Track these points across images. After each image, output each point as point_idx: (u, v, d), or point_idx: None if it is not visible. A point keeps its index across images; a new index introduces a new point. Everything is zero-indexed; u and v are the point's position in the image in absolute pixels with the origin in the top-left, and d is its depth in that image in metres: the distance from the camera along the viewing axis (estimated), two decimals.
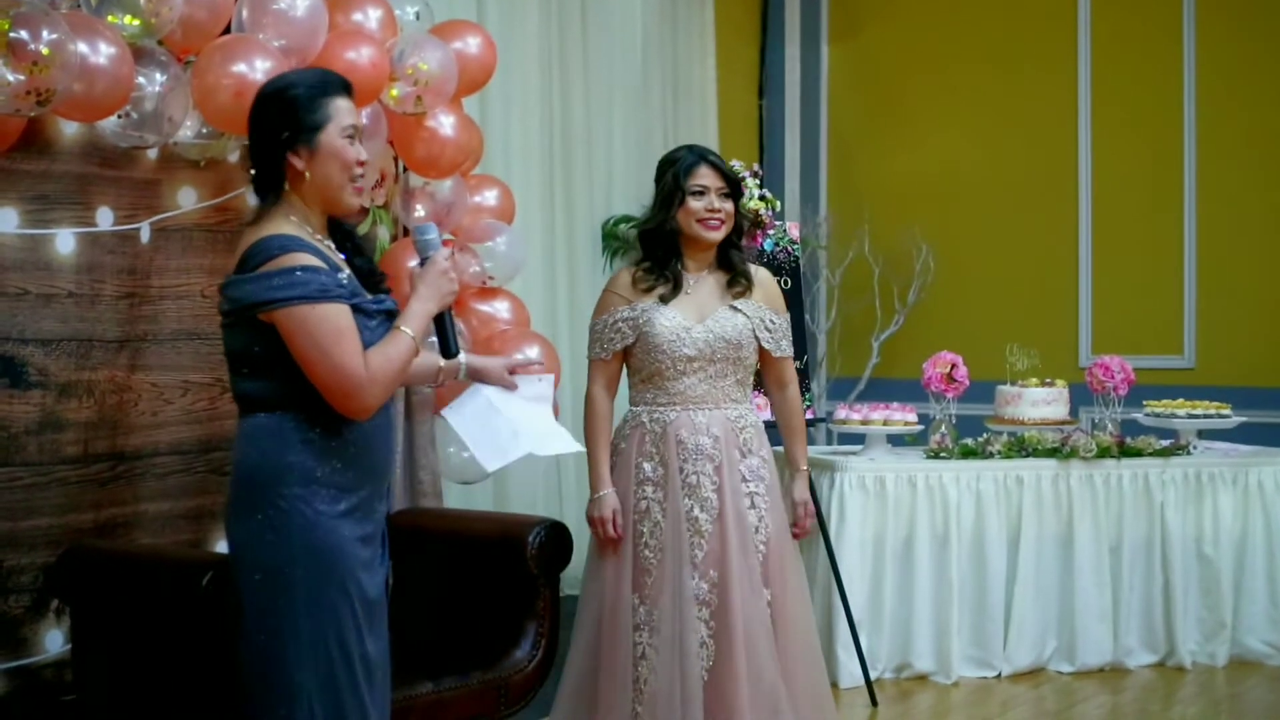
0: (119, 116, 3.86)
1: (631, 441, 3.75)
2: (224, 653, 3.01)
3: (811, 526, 3.94)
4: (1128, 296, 7.65)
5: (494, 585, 4.04)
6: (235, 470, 2.88)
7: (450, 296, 2.98)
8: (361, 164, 2.90)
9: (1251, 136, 7.34)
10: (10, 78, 3.42)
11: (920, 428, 5.91)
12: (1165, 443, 5.94)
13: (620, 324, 3.75)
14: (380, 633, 2.94)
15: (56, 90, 3.49)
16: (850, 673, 5.41)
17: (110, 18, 3.74)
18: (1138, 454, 5.83)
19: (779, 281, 4.40)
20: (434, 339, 3.04)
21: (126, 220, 4.15)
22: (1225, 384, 7.02)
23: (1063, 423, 5.99)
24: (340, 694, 2.83)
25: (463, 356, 3.27)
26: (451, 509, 4.83)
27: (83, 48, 3.57)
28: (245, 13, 4.06)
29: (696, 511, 3.66)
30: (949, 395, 5.87)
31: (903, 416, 5.84)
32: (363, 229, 4.56)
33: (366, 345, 2.81)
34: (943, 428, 5.85)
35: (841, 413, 5.97)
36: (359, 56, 4.20)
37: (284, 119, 2.83)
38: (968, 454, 5.76)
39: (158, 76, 3.91)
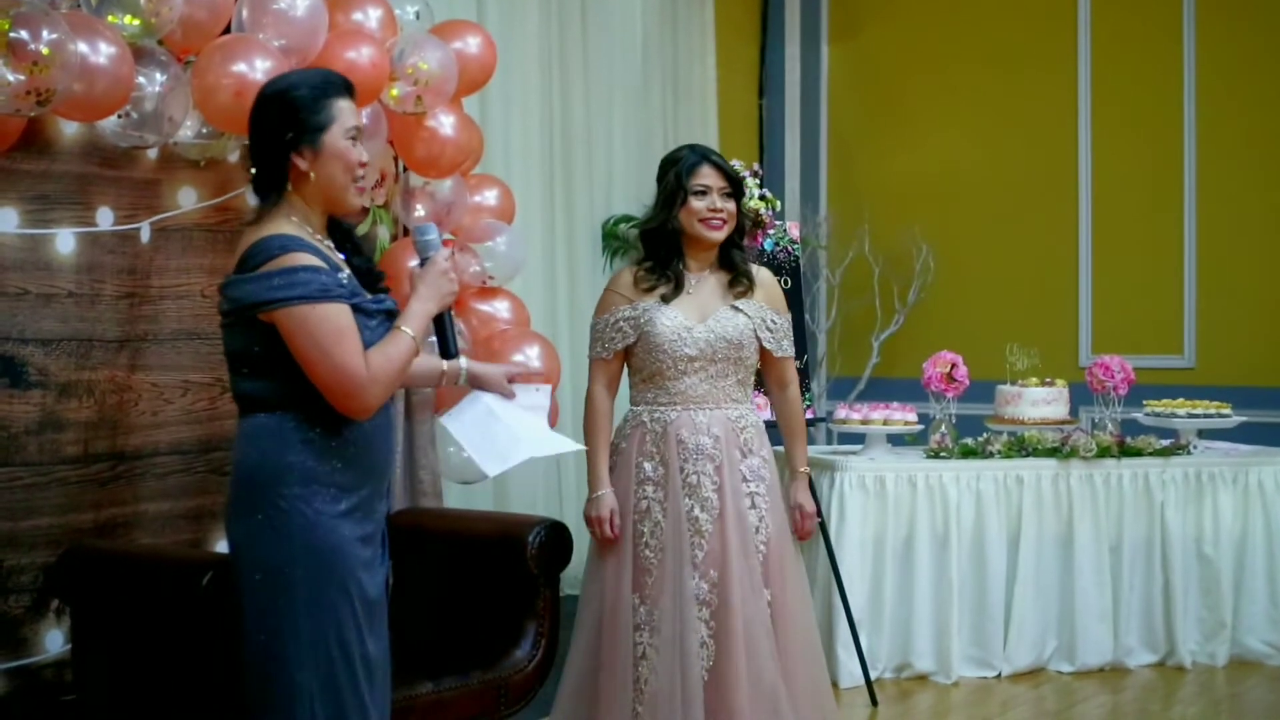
0: (119, 116, 3.86)
1: (632, 441, 3.75)
2: (224, 653, 3.01)
3: (813, 528, 3.93)
4: (1128, 296, 7.65)
5: (494, 585, 4.04)
6: (235, 470, 2.88)
7: (450, 297, 2.99)
8: (363, 165, 2.91)
9: (1251, 136, 7.34)
10: (10, 77, 3.42)
11: (920, 427, 5.91)
12: (1165, 442, 5.94)
13: (621, 323, 3.75)
14: (380, 632, 2.94)
15: (56, 90, 3.49)
16: (850, 672, 5.41)
17: (110, 17, 3.74)
18: (1138, 454, 5.83)
19: (779, 281, 4.40)
20: (433, 339, 3.04)
21: (126, 220, 4.15)
22: (1225, 384, 7.02)
23: (1063, 422, 5.99)
24: (341, 693, 2.83)
25: (463, 361, 3.27)
26: (451, 509, 4.83)
27: (83, 47, 3.57)
28: (245, 12, 4.06)
29: (697, 511, 3.66)
30: (949, 395, 5.87)
31: (903, 416, 5.84)
32: (363, 229, 4.56)
33: (367, 345, 2.81)
34: (943, 427, 5.85)
35: (841, 412, 5.97)
36: (359, 56, 4.20)
37: (288, 120, 2.83)
38: (968, 454, 5.76)
39: (158, 76, 3.91)
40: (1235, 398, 6.40)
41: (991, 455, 5.74)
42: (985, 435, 5.87)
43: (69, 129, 3.98)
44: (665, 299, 3.72)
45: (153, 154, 4.19)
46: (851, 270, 8.28)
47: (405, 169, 4.67)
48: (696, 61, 8.11)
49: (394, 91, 4.39)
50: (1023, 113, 7.93)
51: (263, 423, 2.83)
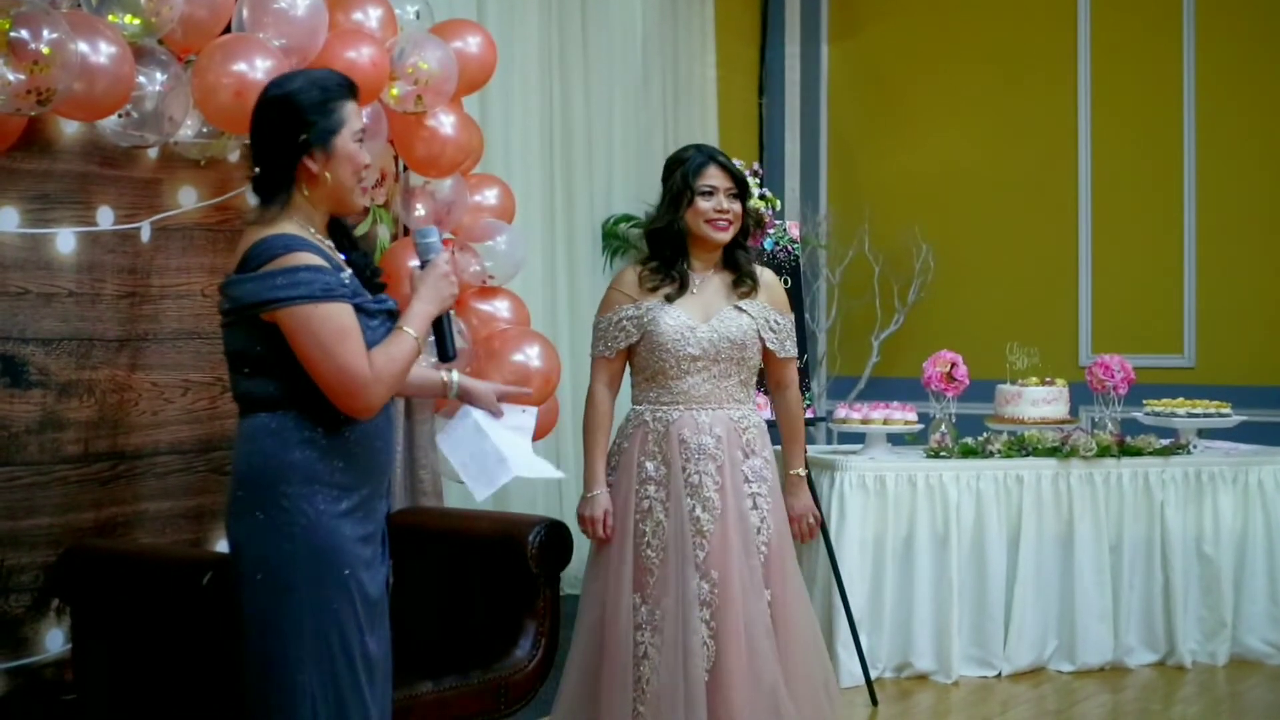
0: (119, 116, 3.86)
1: (634, 441, 3.74)
2: (224, 652, 3.01)
3: (814, 530, 3.93)
4: (1128, 295, 7.65)
5: (494, 585, 4.04)
6: (236, 470, 2.88)
7: (451, 299, 3.00)
8: (366, 166, 2.92)
9: (1251, 136, 7.34)
10: (11, 77, 3.42)
11: (920, 427, 5.92)
12: (1165, 442, 5.95)
13: (625, 322, 3.74)
14: (381, 632, 2.94)
15: (57, 89, 3.49)
16: (850, 672, 5.41)
17: (111, 17, 3.74)
18: (1138, 453, 5.83)
19: (779, 280, 4.40)
20: (431, 339, 3.03)
21: (127, 219, 4.15)
22: (1225, 383, 7.03)
23: (1063, 422, 5.99)
24: (342, 693, 2.84)
25: (455, 375, 3.27)
26: (451, 508, 4.83)
27: (83, 47, 3.57)
28: (246, 12, 4.06)
29: (699, 511, 3.65)
30: (949, 394, 5.87)
31: (903, 415, 5.84)
32: (363, 228, 4.56)
33: (369, 345, 2.82)
34: (943, 427, 5.85)
35: (841, 412, 5.97)
36: (359, 56, 4.20)
37: (299, 122, 2.83)
38: (968, 453, 5.76)
39: (158, 76, 3.91)
40: (1235, 397, 6.40)
41: (991, 455, 5.74)
42: (985, 435, 5.88)
43: (69, 128, 3.98)
44: (669, 299, 3.72)
45: (153, 153, 4.19)
46: (851, 269, 8.28)
47: (405, 168, 4.67)
48: (696, 61, 8.11)
49: (394, 91, 4.39)
50: (1023, 112, 7.94)
51: (264, 422, 2.83)
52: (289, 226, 2.84)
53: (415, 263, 3.11)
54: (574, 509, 3.83)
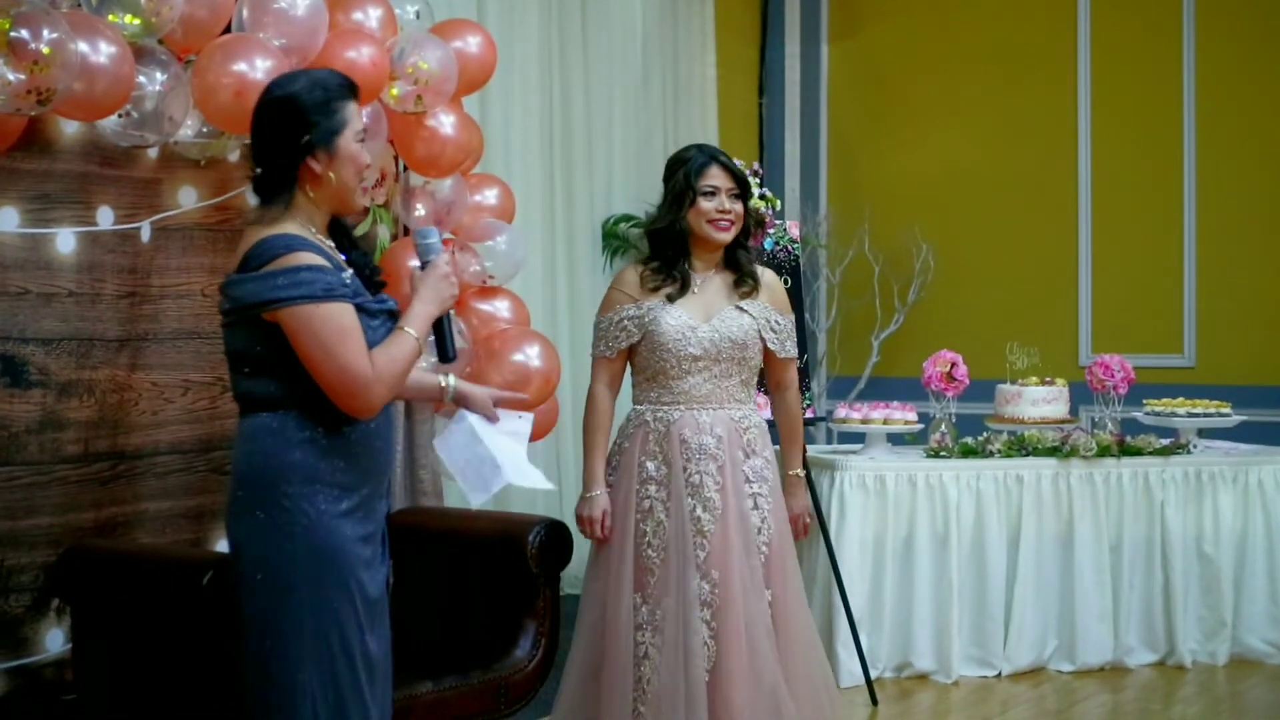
0: (119, 116, 3.86)
1: (635, 441, 3.74)
2: (224, 652, 3.01)
3: (807, 528, 3.94)
4: (1128, 295, 7.65)
5: (494, 584, 4.04)
6: (237, 470, 2.88)
7: (451, 300, 3.01)
8: (367, 166, 2.93)
9: (1251, 136, 7.34)
10: (11, 77, 3.42)
11: (920, 427, 5.91)
12: (1165, 441, 5.94)
13: (626, 322, 3.74)
14: (381, 632, 2.95)
15: (57, 89, 3.49)
16: (850, 672, 5.41)
17: (111, 17, 3.74)
18: (1138, 453, 5.83)
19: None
20: (431, 338, 3.04)
21: (127, 219, 4.15)
22: (1225, 383, 7.03)
23: (1063, 421, 5.99)
24: (342, 692, 2.84)
25: (453, 380, 3.27)
26: (451, 508, 4.83)
27: (83, 47, 3.57)
28: (246, 12, 4.06)
29: (699, 512, 3.65)
30: (949, 394, 5.87)
31: (903, 415, 5.84)
32: (363, 228, 4.56)
33: (370, 345, 2.82)
34: (943, 427, 5.85)
35: (841, 412, 5.97)
36: (359, 55, 4.20)
37: (303, 123, 2.83)
38: (968, 453, 5.76)
39: (158, 76, 3.91)
40: (1235, 397, 6.40)
41: (991, 454, 5.74)
42: (985, 434, 5.88)
43: (69, 128, 3.98)
44: (671, 299, 3.72)
45: (153, 153, 4.19)
46: (851, 269, 8.28)
47: (405, 168, 4.67)
48: (696, 61, 8.11)
49: (394, 91, 4.39)
50: (1023, 112, 7.94)
51: (264, 422, 2.83)
52: (290, 226, 2.84)
53: (415, 263, 3.11)
54: (574, 509, 3.83)
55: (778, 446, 3.91)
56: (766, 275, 3.83)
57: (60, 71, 3.47)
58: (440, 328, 3.03)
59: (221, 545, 4.22)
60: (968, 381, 5.86)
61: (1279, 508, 5.90)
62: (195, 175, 4.32)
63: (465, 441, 3.28)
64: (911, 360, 6.90)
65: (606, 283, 5.52)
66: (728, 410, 3.72)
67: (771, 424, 3.95)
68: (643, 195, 6.95)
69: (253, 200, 2.98)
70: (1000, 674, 5.65)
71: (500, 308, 4.78)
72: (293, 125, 2.83)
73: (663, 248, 3.76)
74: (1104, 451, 5.78)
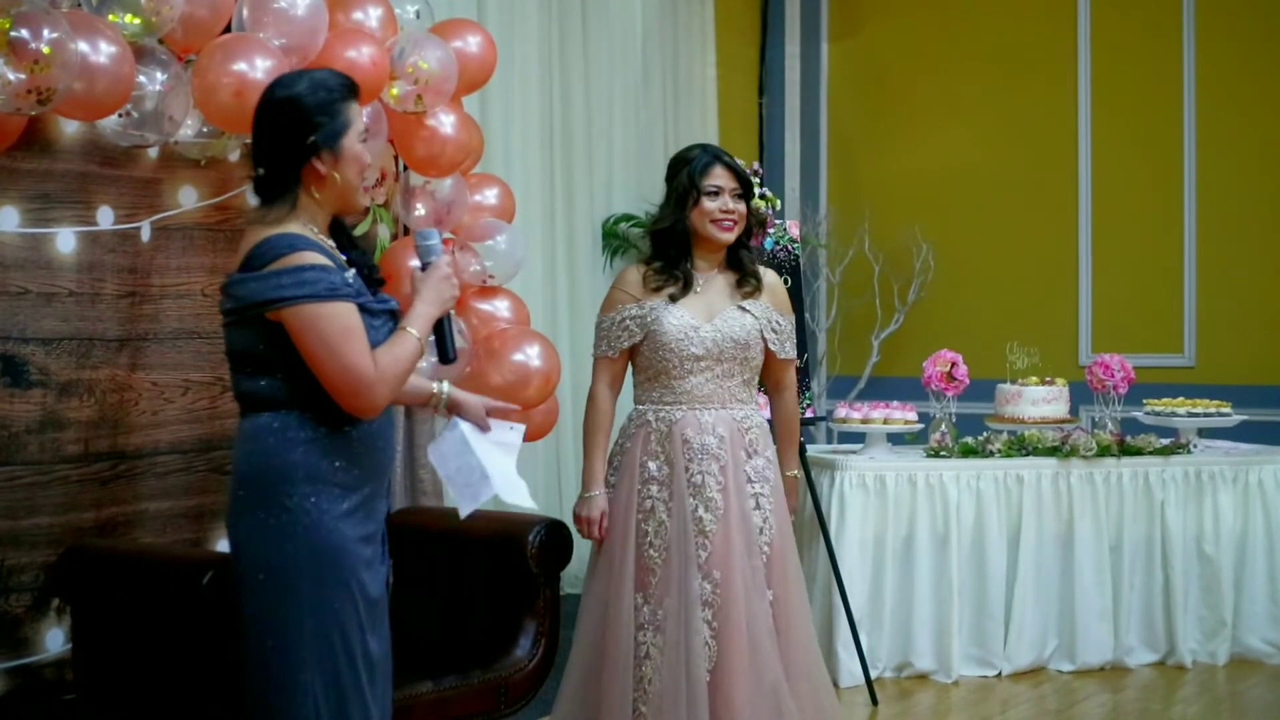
0: (120, 115, 3.86)
1: (636, 440, 3.74)
2: (224, 652, 3.01)
3: (811, 526, 3.94)
4: (1128, 295, 7.65)
5: (494, 584, 4.04)
6: (238, 469, 2.88)
7: (452, 301, 3.02)
8: (368, 165, 2.93)
9: (1251, 136, 7.34)
10: (11, 76, 3.42)
11: (920, 426, 5.91)
12: (1165, 441, 5.94)
13: (628, 322, 3.74)
14: (382, 631, 2.95)
15: (57, 89, 3.49)
16: (850, 672, 5.41)
17: (111, 16, 3.74)
18: (1138, 453, 5.83)
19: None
20: (432, 339, 3.04)
21: (127, 219, 4.15)
22: (1225, 382, 7.03)
23: (1063, 421, 5.99)
24: (344, 692, 2.84)
25: (446, 386, 3.27)
26: (451, 508, 4.80)
27: (83, 47, 3.57)
28: (246, 11, 4.06)
29: (701, 512, 3.65)
30: (949, 394, 5.87)
31: (903, 415, 5.84)
32: (363, 228, 4.56)
33: (373, 344, 2.82)
34: (943, 426, 5.85)
35: (842, 411, 5.97)
36: (359, 55, 4.19)
37: (307, 125, 2.83)
38: (968, 453, 5.76)
39: (158, 75, 3.91)
40: (1235, 396, 6.40)
41: (991, 454, 5.74)
42: (985, 434, 5.87)
43: (70, 128, 3.98)
44: (673, 298, 3.71)
45: (153, 153, 4.19)
46: (851, 269, 8.28)
47: (405, 168, 4.67)
48: (696, 60, 8.11)
49: (394, 90, 4.39)
50: (1023, 112, 7.94)
51: (266, 422, 2.83)
52: (293, 226, 2.84)
53: (416, 263, 3.11)
54: (573, 509, 3.83)
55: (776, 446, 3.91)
56: (768, 276, 3.83)
57: (60, 71, 3.47)
58: (441, 328, 3.03)
59: (222, 545, 4.22)
60: (968, 381, 5.86)
61: (1279, 507, 5.89)
62: (195, 175, 4.32)
63: (456, 449, 3.27)
64: (911, 360, 6.90)
65: (606, 282, 5.53)
66: (730, 410, 3.72)
67: (770, 424, 3.95)
68: (643, 195, 6.96)
69: (253, 200, 2.97)
70: (1000, 674, 5.65)
71: (500, 307, 4.78)
72: (297, 126, 2.84)
73: (665, 247, 3.76)
74: (1104, 451, 5.78)
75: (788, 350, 3.83)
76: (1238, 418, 6.15)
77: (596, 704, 3.66)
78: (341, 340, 2.77)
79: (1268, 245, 7.27)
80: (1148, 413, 6.20)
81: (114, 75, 3.67)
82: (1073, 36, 7.80)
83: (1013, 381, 6.07)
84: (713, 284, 3.77)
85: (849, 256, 8.26)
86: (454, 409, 3.29)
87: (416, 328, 2.91)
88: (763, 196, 5.49)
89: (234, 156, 4.35)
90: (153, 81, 3.89)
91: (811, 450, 5.76)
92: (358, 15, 4.39)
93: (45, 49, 3.43)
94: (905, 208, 8.15)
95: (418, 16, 4.66)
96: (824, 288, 8.50)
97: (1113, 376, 6.03)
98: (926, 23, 8.27)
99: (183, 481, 4.36)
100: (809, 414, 5.43)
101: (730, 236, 3.73)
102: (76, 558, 3.70)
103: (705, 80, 8.17)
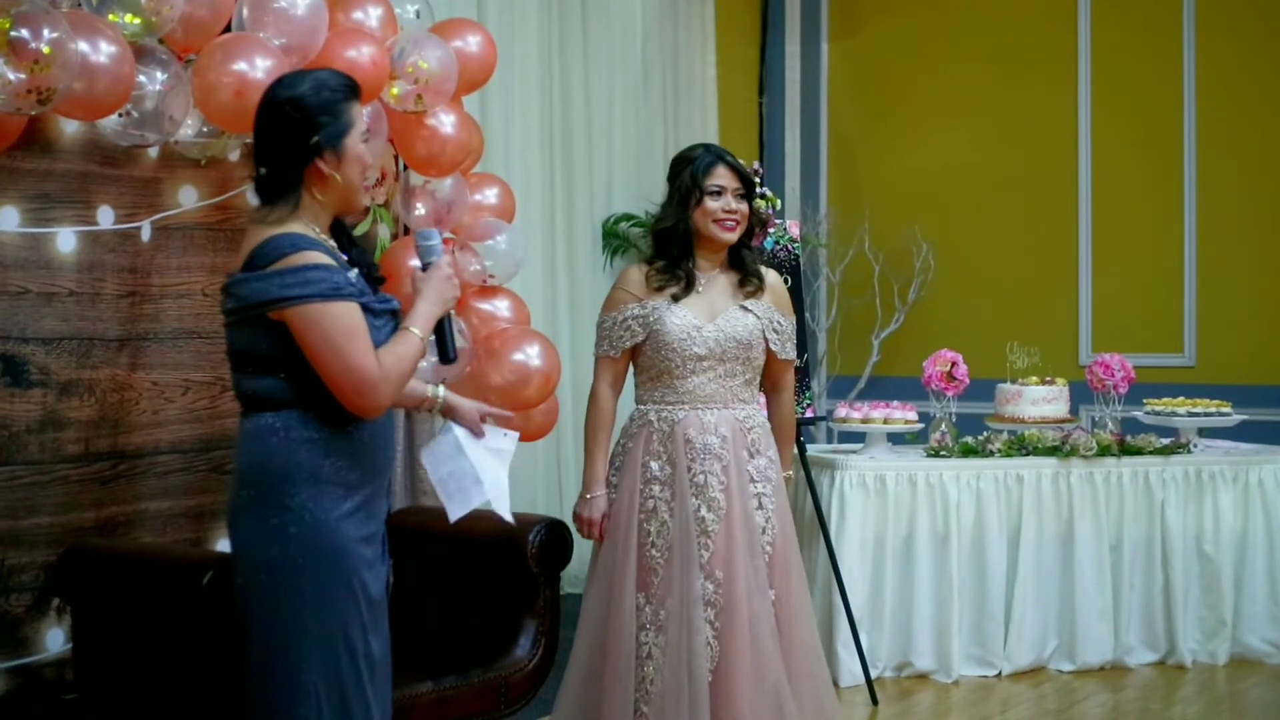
0: (120, 115, 3.85)
1: (638, 440, 3.73)
2: (224, 652, 3.01)
3: (812, 526, 3.94)
4: (1128, 294, 7.65)
5: (494, 584, 4.04)
6: (240, 469, 2.88)
7: (453, 301, 3.02)
8: (370, 165, 2.94)
9: (1251, 136, 7.34)
10: (11, 76, 3.42)
11: (920, 426, 5.92)
12: (1166, 441, 5.95)
13: (630, 321, 3.73)
14: (382, 631, 2.95)
15: (57, 89, 3.49)
16: (850, 671, 5.41)
17: (111, 16, 3.73)
18: (1138, 452, 5.83)
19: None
20: (432, 338, 3.04)
21: (127, 219, 4.15)
22: (1226, 382, 7.03)
23: (1063, 421, 5.99)
24: (346, 692, 2.84)
25: (442, 390, 3.27)
26: None
27: (83, 46, 3.57)
28: (246, 11, 4.06)
29: (704, 512, 3.64)
30: (949, 393, 5.87)
31: (903, 415, 5.84)
32: (363, 228, 4.56)
33: (375, 344, 2.82)
34: (943, 426, 5.85)
35: (842, 411, 5.97)
36: (359, 55, 4.19)
37: (310, 125, 2.84)
38: (968, 452, 5.76)
39: (158, 75, 3.91)
40: (1235, 396, 6.40)
41: (992, 454, 5.74)
42: (985, 434, 5.88)
43: (70, 128, 3.98)
44: (676, 298, 3.71)
45: (153, 153, 4.19)
46: (852, 269, 8.28)
47: (405, 167, 4.67)
48: (696, 60, 8.11)
49: (394, 90, 4.38)
50: (1023, 111, 7.94)
51: (268, 421, 2.83)
52: (296, 226, 2.85)
53: (416, 263, 3.11)
54: (573, 509, 3.83)
55: None
56: (770, 276, 3.83)
57: (60, 71, 3.47)
58: (441, 328, 3.04)
59: (222, 545, 4.22)
60: (968, 381, 5.86)
61: (1279, 507, 5.89)
62: (195, 175, 4.32)
63: (449, 453, 3.27)
64: (911, 359, 6.90)
65: (607, 282, 5.53)
66: (732, 410, 3.72)
67: None
68: (643, 194, 6.96)
69: (254, 200, 2.97)
70: (1000, 673, 5.65)
71: (500, 307, 4.78)
72: (300, 127, 2.84)
73: (668, 247, 3.75)
74: (1104, 451, 5.78)
75: (788, 351, 3.82)
76: (1238, 417, 6.15)
77: (598, 704, 3.65)
78: (345, 340, 2.77)
79: (1268, 245, 7.27)
80: (1148, 412, 6.20)
81: (114, 75, 3.67)
82: (1073, 36, 7.81)
83: (1013, 381, 6.07)
84: (715, 284, 3.77)
85: (849, 256, 8.26)
86: (448, 413, 3.29)
87: (419, 327, 2.91)
88: (763, 196, 5.49)
89: (234, 156, 4.35)
90: (153, 81, 3.89)
91: (811, 450, 5.76)
92: (358, 15, 4.39)
93: (45, 49, 3.43)
94: (905, 208, 8.15)
95: (418, 16, 4.66)
96: (824, 287, 8.50)
97: (1113, 376, 6.03)
98: (926, 23, 8.27)
99: (183, 481, 4.36)
100: (809, 414, 5.43)
101: (733, 236, 3.73)
102: (77, 557, 3.70)
103: (705, 80, 8.17)
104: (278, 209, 2.85)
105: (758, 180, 5.46)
